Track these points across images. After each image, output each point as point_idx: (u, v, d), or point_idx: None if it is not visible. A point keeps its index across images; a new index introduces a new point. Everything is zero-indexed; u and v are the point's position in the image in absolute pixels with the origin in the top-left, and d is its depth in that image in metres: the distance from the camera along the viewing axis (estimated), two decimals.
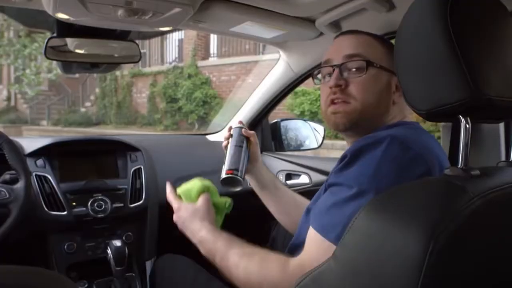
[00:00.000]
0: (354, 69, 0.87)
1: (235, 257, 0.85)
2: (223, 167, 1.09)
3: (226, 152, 1.12)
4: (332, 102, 0.89)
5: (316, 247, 0.73)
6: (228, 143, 1.14)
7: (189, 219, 0.98)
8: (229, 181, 1.07)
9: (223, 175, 1.07)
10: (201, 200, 1.00)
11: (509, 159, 0.70)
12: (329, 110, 0.90)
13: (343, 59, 0.88)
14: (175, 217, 1.02)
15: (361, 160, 0.72)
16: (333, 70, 0.89)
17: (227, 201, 1.05)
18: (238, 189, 1.07)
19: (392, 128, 0.83)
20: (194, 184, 1.03)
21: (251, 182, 1.22)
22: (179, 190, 1.04)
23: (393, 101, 0.87)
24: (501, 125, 1.15)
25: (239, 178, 1.05)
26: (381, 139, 0.72)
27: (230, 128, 1.18)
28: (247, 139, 1.14)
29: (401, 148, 0.71)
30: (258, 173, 1.19)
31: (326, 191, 0.79)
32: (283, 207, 1.20)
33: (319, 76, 0.97)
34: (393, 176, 0.69)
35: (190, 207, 0.99)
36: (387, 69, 0.86)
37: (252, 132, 1.17)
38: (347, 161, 0.74)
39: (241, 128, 1.16)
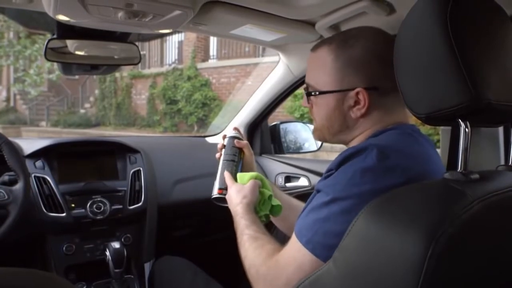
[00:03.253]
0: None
1: (245, 237, 0.90)
2: (215, 183, 1.09)
3: (219, 167, 1.11)
4: None
5: (291, 247, 0.76)
6: (221, 155, 1.13)
7: (234, 195, 1.02)
8: (219, 200, 1.08)
9: (214, 194, 1.08)
10: (250, 183, 1.03)
11: (508, 163, 0.70)
12: None
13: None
14: (227, 196, 1.06)
15: (340, 169, 0.74)
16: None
17: (273, 195, 1.07)
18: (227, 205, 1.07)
19: (381, 134, 0.82)
20: (251, 172, 1.07)
21: None
22: (238, 175, 1.08)
23: (356, 116, 0.83)
24: (501, 129, 1.15)
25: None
26: (362, 149, 0.73)
27: (224, 137, 1.17)
28: (240, 150, 1.13)
29: (379, 157, 0.70)
30: None
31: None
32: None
33: None
34: (367, 186, 0.69)
35: (239, 186, 1.03)
36: (333, 91, 0.84)
37: (245, 142, 1.16)
38: (331, 173, 0.76)
39: (233, 138, 1.14)
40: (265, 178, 1.09)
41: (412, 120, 0.84)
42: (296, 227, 0.77)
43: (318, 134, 0.93)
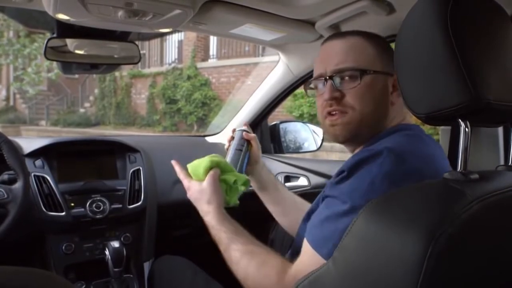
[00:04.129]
0: (347, 78, 0.84)
1: (237, 253, 0.86)
2: None
3: (227, 155, 1.13)
4: (329, 114, 0.87)
5: (308, 259, 0.73)
6: (230, 145, 1.16)
7: (197, 200, 0.97)
8: None
9: None
10: (207, 179, 0.97)
11: (508, 163, 0.70)
12: (326, 122, 0.88)
13: (334, 70, 0.86)
14: (188, 195, 1.01)
15: (356, 175, 0.71)
16: (326, 81, 0.86)
17: (238, 178, 1.01)
18: None
19: (391, 135, 0.81)
20: (202, 160, 1.00)
21: (251, 183, 1.23)
22: (189, 166, 1.02)
23: (391, 102, 0.86)
24: (500, 129, 1.15)
25: None
26: (377, 153, 0.71)
27: (234, 130, 1.19)
28: (248, 142, 1.16)
29: (396, 161, 0.69)
30: (258, 174, 1.19)
31: (323, 202, 0.79)
32: (283, 209, 1.20)
33: (312, 85, 0.95)
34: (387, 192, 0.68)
35: (197, 187, 0.97)
36: (382, 71, 0.84)
37: (253, 135, 1.17)
38: (344, 176, 0.73)
39: (242, 131, 1.17)
40: (217, 156, 1.02)
41: (412, 120, 0.84)
42: (310, 236, 0.74)
43: (352, 127, 0.85)
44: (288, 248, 1.03)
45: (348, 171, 0.72)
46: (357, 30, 0.90)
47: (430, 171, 0.70)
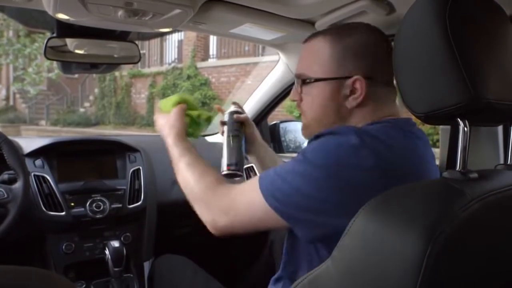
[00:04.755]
0: (301, 83, 0.87)
1: (181, 164, 0.95)
2: (222, 160, 1.11)
3: (224, 142, 1.13)
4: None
5: (249, 183, 0.79)
6: (223, 131, 1.15)
7: (162, 127, 1.05)
8: (230, 176, 1.09)
9: (223, 170, 1.09)
10: (173, 111, 1.05)
11: (507, 162, 0.70)
12: None
13: (295, 74, 0.89)
14: (155, 127, 1.10)
15: (321, 139, 0.74)
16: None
17: (201, 113, 1.08)
18: (238, 179, 1.11)
19: (372, 125, 0.80)
20: (172, 96, 1.08)
21: (252, 160, 1.25)
22: (160, 101, 1.10)
23: (350, 107, 0.82)
24: (500, 128, 1.15)
25: (237, 172, 1.08)
26: (338, 131, 0.73)
27: (223, 111, 1.19)
28: (242, 123, 1.15)
29: (354, 138, 0.70)
30: (257, 152, 1.21)
31: None
32: None
33: None
34: (334, 159, 0.69)
35: (164, 116, 1.06)
36: (332, 78, 0.82)
37: (244, 115, 1.17)
38: (311, 139, 0.77)
39: (233, 113, 1.16)
40: (188, 94, 1.10)
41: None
42: (262, 173, 0.79)
43: (309, 131, 0.88)
44: None
45: (315, 137, 0.76)
46: (329, 28, 0.89)
47: (396, 164, 0.71)
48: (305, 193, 0.70)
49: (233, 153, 1.09)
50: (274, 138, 1.96)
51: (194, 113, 1.06)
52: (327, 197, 0.69)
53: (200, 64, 10.28)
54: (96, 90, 12.57)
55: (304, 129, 0.91)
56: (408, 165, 0.73)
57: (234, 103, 1.21)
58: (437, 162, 1.34)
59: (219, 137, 1.99)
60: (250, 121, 1.18)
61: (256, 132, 1.20)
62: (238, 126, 1.14)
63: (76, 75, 12.27)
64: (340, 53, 0.82)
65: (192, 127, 1.07)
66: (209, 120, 1.09)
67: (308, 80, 0.85)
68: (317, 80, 0.84)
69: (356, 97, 0.80)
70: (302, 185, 0.70)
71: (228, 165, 1.09)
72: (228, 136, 1.12)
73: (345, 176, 0.68)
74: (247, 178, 1.28)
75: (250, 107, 1.85)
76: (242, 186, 0.81)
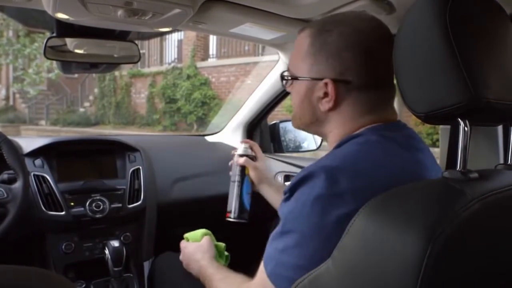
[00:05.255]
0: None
1: (217, 277, 0.92)
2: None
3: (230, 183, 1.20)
4: None
5: (259, 275, 0.74)
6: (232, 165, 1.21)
7: (192, 252, 1.07)
8: (234, 223, 1.16)
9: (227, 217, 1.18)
10: (204, 239, 1.10)
11: (507, 162, 0.70)
12: None
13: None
14: (181, 256, 1.11)
15: (295, 195, 0.69)
16: None
17: (224, 246, 1.13)
18: (242, 220, 1.17)
19: (346, 143, 0.73)
20: (199, 230, 1.14)
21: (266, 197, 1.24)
22: (186, 234, 1.15)
23: (325, 109, 0.76)
24: (500, 128, 1.15)
25: (240, 220, 1.15)
26: (310, 174, 0.67)
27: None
28: (243, 167, 1.17)
29: (327, 184, 0.64)
30: (265, 191, 1.22)
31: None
32: None
33: None
34: (316, 218, 0.64)
35: (195, 244, 1.09)
36: (301, 78, 0.78)
37: (243, 159, 1.18)
38: (286, 197, 0.72)
39: (239, 156, 1.19)
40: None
41: (412, 119, 0.84)
42: (265, 254, 0.74)
43: (296, 123, 0.86)
44: None
45: (289, 192, 0.71)
46: (321, 19, 0.82)
47: (376, 187, 0.60)
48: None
49: (231, 200, 1.15)
50: (274, 137, 1.96)
51: (221, 244, 1.12)
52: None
53: (200, 64, 10.28)
54: (96, 90, 12.56)
55: (292, 120, 0.87)
56: (388, 182, 0.63)
57: (244, 141, 1.22)
58: (437, 162, 1.35)
59: (219, 137, 2.00)
60: (251, 163, 1.18)
61: (260, 174, 1.19)
62: (239, 171, 1.16)
63: (76, 75, 12.26)
64: (316, 51, 0.75)
65: (217, 258, 1.11)
66: (226, 260, 1.13)
67: (286, 77, 0.83)
68: (293, 78, 0.81)
69: (328, 100, 0.75)
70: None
71: (228, 212, 1.17)
72: (231, 182, 1.17)
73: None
74: None
75: (250, 107, 1.85)
76: (257, 279, 0.76)
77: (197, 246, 1.07)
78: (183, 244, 1.12)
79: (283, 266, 0.67)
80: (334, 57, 0.73)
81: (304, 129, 0.87)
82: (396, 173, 0.67)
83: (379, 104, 0.76)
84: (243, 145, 1.21)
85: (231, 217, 1.15)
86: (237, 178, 1.16)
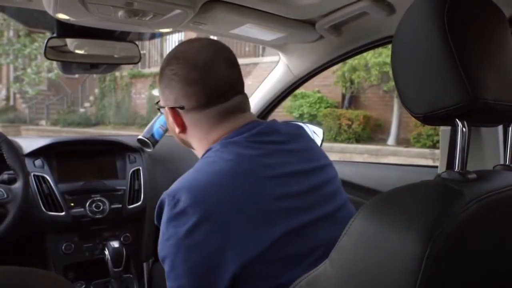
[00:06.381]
0: None
1: None
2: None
3: None
4: None
5: None
6: None
7: None
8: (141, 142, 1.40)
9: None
10: None
11: (506, 162, 0.70)
12: None
13: None
14: None
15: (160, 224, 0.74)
16: None
17: None
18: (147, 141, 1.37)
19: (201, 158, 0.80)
20: None
21: None
22: None
23: (179, 132, 0.85)
24: (500, 129, 1.15)
25: (141, 137, 1.38)
26: (161, 202, 0.73)
27: None
28: None
29: (170, 206, 0.70)
30: None
31: None
32: None
33: None
34: (172, 239, 0.69)
35: None
36: (161, 106, 0.88)
37: None
38: (157, 222, 0.77)
39: None
40: None
41: (412, 121, 0.84)
42: None
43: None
44: None
45: (157, 221, 0.76)
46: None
47: (213, 201, 0.68)
48: None
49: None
50: None
51: None
52: None
53: None
54: (96, 90, 12.57)
55: None
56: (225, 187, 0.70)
57: None
58: (437, 163, 1.35)
59: None
60: None
61: None
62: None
63: (77, 75, 12.26)
64: (163, 81, 0.84)
65: None
66: None
67: (158, 102, 0.90)
68: (160, 106, 0.89)
69: (175, 125, 0.83)
70: None
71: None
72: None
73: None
74: None
75: (251, 107, 1.85)
76: None
77: None
78: None
79: None
80: (167, 88, 0.83)
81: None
82: (232, 174, 0.71)
83: (218, 121, 0.81)
84: None
85: (140, 135, 1.39)
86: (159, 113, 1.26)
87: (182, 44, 0.86)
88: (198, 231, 0.67)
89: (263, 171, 0.73)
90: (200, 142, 0.83)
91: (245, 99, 0.86)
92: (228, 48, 0.85)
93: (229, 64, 0.83)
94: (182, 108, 0.81)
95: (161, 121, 1.31)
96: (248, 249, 0.66)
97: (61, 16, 1.06)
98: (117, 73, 11.63)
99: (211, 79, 0.79)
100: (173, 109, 0.82)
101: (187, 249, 0.67)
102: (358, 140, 7.45)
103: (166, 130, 1.31)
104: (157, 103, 0.90)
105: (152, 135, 1.34)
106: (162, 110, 0.89)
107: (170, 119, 0.84)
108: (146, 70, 11.42)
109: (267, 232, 0.67)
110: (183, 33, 10.41)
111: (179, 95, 0.81)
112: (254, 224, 0.68)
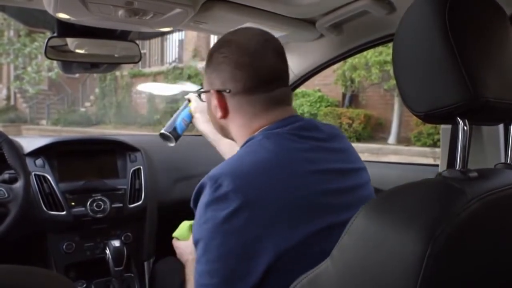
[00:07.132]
0: None
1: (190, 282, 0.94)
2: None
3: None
4: None
5: None
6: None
7: (184, 253, 1.05)
8: (163, 136, 1.33)
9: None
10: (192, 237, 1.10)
11: (507, 161, 0.70)
12: None
13: None
14: (177, 253, 1.10)
15: (197, 205, 0.74)
16: None
17: None
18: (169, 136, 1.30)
19: (245, 145, 0.80)
20: (184, 224, 1.12)
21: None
22: (175, 234, 1.13)
23: (220, 116, 0.85)
24: (501, 127, 1.15)
25: (163, 131, 1.31)
26: (203, 183, 0.72)
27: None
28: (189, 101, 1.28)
29: (211, 190, 0.69)
30: (204, 128, 1.26)
31: None
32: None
33: None
34: (210, 223, 0.68)
35: (184, 243, 1.07)
36: (205, 90, 0.89)
37: (190, 94, 1.28)
38: (193, 205, 0.77)
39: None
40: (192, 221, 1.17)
41: (413, 119, 0.83)
42: None
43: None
44: None
45: (193, 205, 0.76)
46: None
47: (253, 188, 0.68)
48: None
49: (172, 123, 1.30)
50: None
51: (184, 224, 1.12)
52: None
53: (201, 64, 10.28)
54: (97, 90, 12.58)
55: None
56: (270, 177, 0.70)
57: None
58: (438, 162, 1.35)
59: None
60: (196, 99, 1.24)
61: (201, 108, 1.23)
62: (186, 103, 1.30)
63: (77, 75, 12.27)
64: (212, 64, 0.85)
65: None
66: None
67: (201, 88, 0.92)
68: (203, 90, 0.90)
69: (219, 109, 0.84)
70: None
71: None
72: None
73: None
74: None
75: None
76: None
77: (186, 245, 1.06)
78: (174, 244, 1.11)
79: (201, 276, 0.70)
80: (217, 69, 0.83)
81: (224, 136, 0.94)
82: (275, 164, 0.72)
83: (264, 107, 0.81)
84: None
85: (162, 129, 1.32)
86: (181, 107, 1.29)
87: (234, 31, 0.86)
88: (238, 218, 0.66)
89: (306, 165, 0.73)
90: (241, 128, 0.83)
91: (290, 92, 0.87)
92: (278, 39, 0.85)
93: (278, 54, 0.82)
94: (228, 92, 0.81)
95: (184, 115, 1.29)
96: (284, 240, 0.66)
97: (62, 15, 1.06)
98: (117, 73, 11.64)
99: (260, 66, 0.79)
100: (219, 92, 0.82)
101: (224, 234, 0.67)
102: (358, 139, 7.46)
103: (188, 125, 1.30)
104: (198, 90, 0.91)
105: (175, 129, 1.32)
106: (203, 96, 0.90)
107: (214, 102, 0.84)
108: (147, 70, 11.42)
109: (305, 226, 0.68)
110: (183, 33, 10.42)
111: (226, 78, 0.81)
112: (294, 217, 0.68)
